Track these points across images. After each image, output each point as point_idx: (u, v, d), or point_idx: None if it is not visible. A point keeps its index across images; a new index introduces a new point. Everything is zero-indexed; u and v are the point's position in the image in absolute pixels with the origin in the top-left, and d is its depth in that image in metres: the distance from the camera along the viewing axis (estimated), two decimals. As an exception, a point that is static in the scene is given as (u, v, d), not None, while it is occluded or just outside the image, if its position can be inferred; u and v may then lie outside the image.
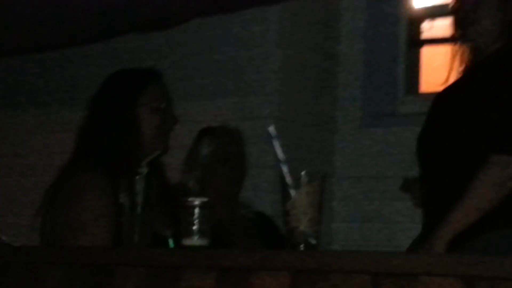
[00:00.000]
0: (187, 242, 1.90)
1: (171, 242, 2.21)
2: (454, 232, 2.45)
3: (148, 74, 2.74)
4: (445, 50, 4.11)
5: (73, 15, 3.11)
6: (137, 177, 2.02)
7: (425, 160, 2.81)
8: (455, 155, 2.59)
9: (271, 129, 1.88)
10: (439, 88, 2.91)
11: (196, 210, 1.89)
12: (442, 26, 4.07)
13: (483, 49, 2.72)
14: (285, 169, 1.81)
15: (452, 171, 2.65)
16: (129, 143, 2.57)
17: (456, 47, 2.88)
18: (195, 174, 3.09)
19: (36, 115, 4.02)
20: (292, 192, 1.79)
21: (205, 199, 1.92)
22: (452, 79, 2.88)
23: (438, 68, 4.29)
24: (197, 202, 1.90)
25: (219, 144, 3.15)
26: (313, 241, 1.78)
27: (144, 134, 2.60)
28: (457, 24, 2.83)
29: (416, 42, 4.14)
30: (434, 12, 4.07)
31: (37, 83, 4.11)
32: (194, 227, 1.88)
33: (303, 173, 1.80)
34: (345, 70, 4.09)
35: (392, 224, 3.69)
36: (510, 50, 2.64)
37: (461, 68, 2.84)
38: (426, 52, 4.16)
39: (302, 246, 1.78)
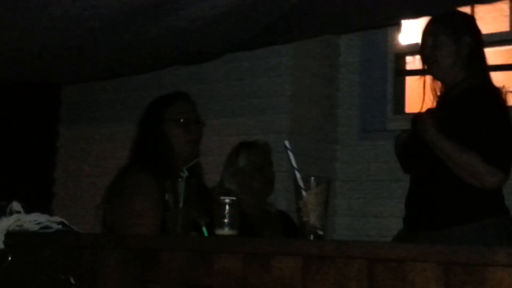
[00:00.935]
0: (219, 232, 1.91)
1: (205, 231, 2.21)
2: (431, 138, 2.56)
3: (173, 95, 2.75)
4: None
5: (140, 52, 3.17)
6: (180, 180, 2.02)
7: (407, 168, 2.82)
8: (433, 163, 2.59)
9: (287, 142, 1.88)
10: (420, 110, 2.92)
11: (227, 207, 1.90)
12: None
13: (452, 85, 2.73)
14: (297, 174, 1.81)
15: (429, 175, 2.65)
16: (163, 152, 2.59)
17: (429, 79, 2.89)
18: (235, 179, 3.09)
19: (109, 127, 4.04)
20: (304, 193, 1.80)
21: (234, 198, 1.93)
22: (425, 105, 2.90)
23: (419, 93, 4.31)
24: (227, 200, 1.91)
25: (255, 155, 3.17)
26: (320, 232, 1.78)
27: (172, 143, 2.62)
28: (423, 62, 2.84)
29: (402, 72, 4.13)
30: (416, 48, 4.05)
31: (111, 102, 4.14)
32: (225, 220, 1.89)
33: (312, 178, 1.80)
34: (344, 94, 4.08)
35: (383, 219, 3.68)
36: (475, 91, 2.63)
37: (435, 95, 2.87)
38: (410, 80, 4.14)
39: (312, 236, 1.78)
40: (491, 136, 2.52)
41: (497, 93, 2.65)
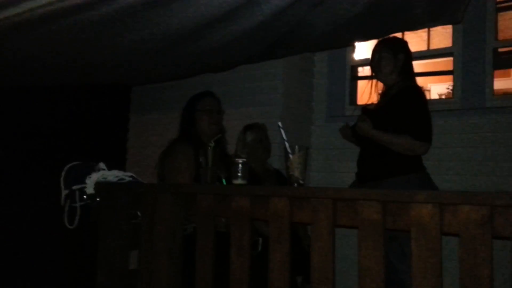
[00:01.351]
0: (235, 181, 1.92)
1: (224, 182, 2.21)
2: (372, 137, 2.55)
3: (202, 93, 2.75)
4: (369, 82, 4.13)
5: (184, 64, 3.22)
6: (209, 148, 2.02)
7: (359, 140, 2.81)
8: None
9: (280, 123, 1.88)
10: (372, 101, 2.92)
11: (240, 165, 1.91)
12: (369, 69, 4.04)
13: (390, 86, 2.72)
14: (286, 144, 1.81)
15: (375, 144, 2.65)
16: (196, 131, 2.60)
17: (374, 82, 2.88)
18: (245, 150, 3.08)
19: (165, 115, 4.04)
20: (290, 156, 1.79)
21: (244, 159, 1.93)
22: (372, 99, 2.92)
23: (366, 92, 4.31)
24: (240, 161, 1.92)
25: (257, 132, 3.16)
26: (301, 182, 1.78)
27: (200, 125, 2.63)
28: (372, 71, 2.84)
29: (355, 78, 4.10)
30: (365, 62, 4.04)
31: (167, 98, 4.14)
32: (239, 174, 1.90)
33: (296, 146, 1.80)
34: (317, 93, 4.06)
35: (344, 174, 3.67)
36: (406, 90, 2.61)
37: (378, 94, 2.86)
38: (360, 83, 4.11)
39: (296, 184, 1.79)
40: (419, 119, 2.52)
41: (420, 91, 2.64)
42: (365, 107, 2.86)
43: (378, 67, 2.73)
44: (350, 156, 3.53)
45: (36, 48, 2.44)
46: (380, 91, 2.85)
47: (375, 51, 2.78)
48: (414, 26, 3.03)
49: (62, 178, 2.21)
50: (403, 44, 2.79)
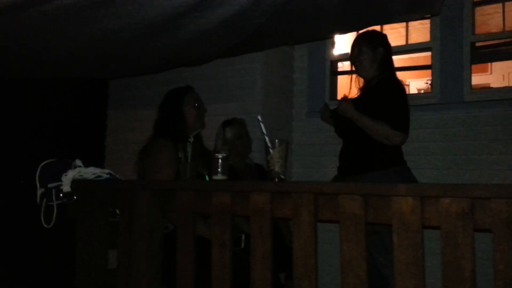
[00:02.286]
0: (215, 177, 1.89)
1: (207, 177, 2.18)
2: (352, 117, 2.55)
3: (187, 88, 2.69)
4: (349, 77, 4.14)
5: (158, 57, 3.13)
6: (188, 143, 1.98)
7: (341, 134, 2.81)
8: (355, 131, 2.58)
9: (259, 117, 1.85)
10: (351, 96, 2.92)
11: (220, 160, 1.87)
12: (348, 65, 4.06)
13: (370, 79, 2.72)
14: (266, 138, 1.79)
15: (353, 139, 2.65)
16: (181, 125, 2.54)
17: (355, 76, 2.88)
18: (225, 147, 3.02)
19: (142, 111, 3.99)
20: (271, 151, 1.77)
21: (224, 154, 1.89)
22: (352, 93, 2.91)
23: (346, 86, 4.32)
24: (220, 156, 1.88)
25: (236, 128, 3.10)
26: (282, 176, 1.76)
27: (188, 120, 2.57)
28: (352, 64, 2.84)
29: (334, 73, 4.09)
30: (343, 57, 4.05)
31: (143, 92, 4.08)
32: (219, 169, 1.86)
33: (276, 140, 1.78)
34: (297, 88, 4.04)
35: (324, 168, 3.69)
36: (385, 81, 2.63)
37: (357, 87, 2.86)
38: (340, 78, 4.12)
39: (276, 179, 1.77)
40: (396, 110, 2.52)
41: (399, 83, 2.65)
42: (345, 97, 2.86)
43: (358, 61, 2.73)
44: (331, 151, 3.54)
45: (1, 39, 2.36)
46: (360, 86, 2.85)
47: (354, 45, 2.77)
48: (393, 18, 3.02)
49: (37, 176, 2.15)
50: (382, 37, 2.79)
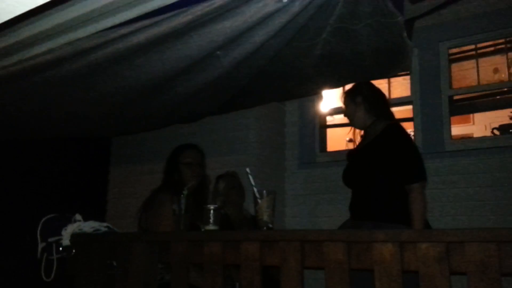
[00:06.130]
0: (207, 227, 1.90)
1: (203, 229, 2.19)
2: (420, 226, 2.26)
3: (185, 146, 2.75)
4: (339, 131, 4.22)
5: (153, 115, 3.21)
6: (182, 195, 2.01)
7: (349, 184, 2.65)
8: (366, 181, 2.49)
9: (248, 169, 1.91)
10: (340, 148, 2.87)
11: (211, 211, 1.89)
12: (338, 118, 4.15)
13: (367, 127, 2.62)
14: (254, 189, 1.83)
15: (365, 188, 2.52)
16: (176, 180, 2.58)
17: (352, 128, 2.78)
18: (219, 199, 3.07)
19: (145, 167, 4.03)
20: (259, 201, 1.81)
21: (216, 205, 1.92)
22: (354, 144, 2.82)
23: (335, 139, 4.42)
24: (211, 207, 1.91)
25: (228, 180, 3.16)
26: (270, 226, 1.79)
27: (184, 176, 2.61)
28: (346, 117, 2.75)
29: (324, 126, 4.19)
30: (332, 112, 4.16)
31: (145, 148, 4.14)
32: (210, 220, 1.88)
33: (264, 190, 1.82)
34: (289, 140, 4.12)
35: (314, 218, 3.69)
36: (392, 129, 2.48)
37: (361, 136, 2.74)
38: (330, 131, 4.21)
39: (265, 228, 1.79)
40: (411, 159, 2.40)
41: (402, 129, 2.52)
42: (349, 152, 2.78)
43: (347, 116, 2.72)
44: (319, 200, 3.58)
45: (6, 103, 2.45)
46: (360, 135, 2.76)
47: (342, 102, 2.78)
48: (368, 76, 3.05)
49: (38, 231, 2.16)
50: (359, 86, 2.74)
